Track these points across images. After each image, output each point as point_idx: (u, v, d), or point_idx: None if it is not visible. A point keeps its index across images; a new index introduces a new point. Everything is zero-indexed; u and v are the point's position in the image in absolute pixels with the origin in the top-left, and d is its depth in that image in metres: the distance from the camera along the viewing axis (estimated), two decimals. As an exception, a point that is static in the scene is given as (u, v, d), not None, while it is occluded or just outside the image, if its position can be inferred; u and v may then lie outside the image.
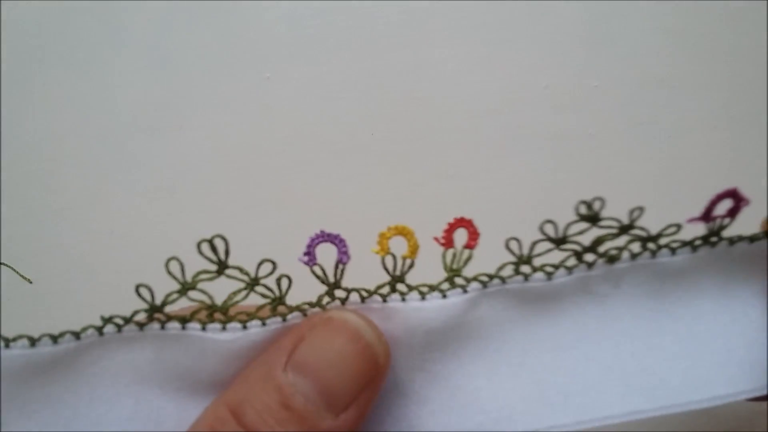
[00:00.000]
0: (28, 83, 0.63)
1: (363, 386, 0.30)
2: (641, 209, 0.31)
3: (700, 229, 0.33)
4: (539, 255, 0.33)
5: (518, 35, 0.63)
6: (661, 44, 0.63)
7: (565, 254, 0.33)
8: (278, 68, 0.63)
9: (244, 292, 0.31)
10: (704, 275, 0.33)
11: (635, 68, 0.62)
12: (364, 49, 0.63)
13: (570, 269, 0.33)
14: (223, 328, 0.31)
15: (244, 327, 0.31)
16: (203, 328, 0.31)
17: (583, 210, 0.31)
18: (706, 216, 0.31)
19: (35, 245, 0.59)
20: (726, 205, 0.31)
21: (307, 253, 0.31)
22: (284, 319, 0.32)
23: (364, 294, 0.32)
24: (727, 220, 0.32)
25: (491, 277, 0.33)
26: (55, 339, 0.31)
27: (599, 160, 0.60)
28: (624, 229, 0.32)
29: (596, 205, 0.31)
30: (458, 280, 0.33)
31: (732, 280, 0.33)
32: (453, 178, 0.59)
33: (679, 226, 0.32)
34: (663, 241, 0.33)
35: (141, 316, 0.31)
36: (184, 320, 0.31)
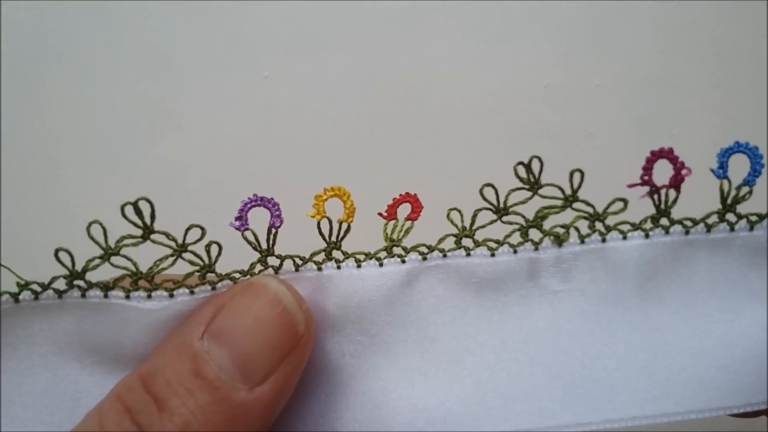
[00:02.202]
0: (27, 83, 0.63)
1: (281, 357, 0.28)
2: (581, 172, 0.30)
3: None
4: (482, 227, 0.32)
5: (518, 34, 0.63)
6: (662, 43, 0.63)
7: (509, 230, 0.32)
8: (276, 67, 0.63)
9: (171, 259, 0.30)
10: (663, 272, 0.31)
11: (636, 67, 0.63)
12: (362, 47, 0.63)
13: (515, 247, 0.32)
14: (149, 297, 0.30)
15: (171, 296, 0.30)
16: (127, 297, 0.30)
17: (522, 172, 0.30)
18: (647, 180, 0.30)
19: (35, 245, 0.58)
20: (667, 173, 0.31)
21: (238, 218, 0.30)
22: (213, 288, 0.30)
23: (298, 262, 0.31)
24: (672, 195, 0.31)
25: (431, 248, 0.31)
26: None
27: (600, 159, 0.60)
28: (567, 200, 0.31)
29: (534, 166, 0.30)
30: (397, 251, 0.31)
31: (695, 279, 0.32)
32: (452, 177, 0.59)
33: (625, 201, 0.31)
34: (612, 221, 0.32)
35: (61, 283, 0.30)
36: (106, 288, 0.30)
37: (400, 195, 0.32)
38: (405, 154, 0.61)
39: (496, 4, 0.64)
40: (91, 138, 0.62)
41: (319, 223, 0.31)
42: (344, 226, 0.31)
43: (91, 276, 0.30)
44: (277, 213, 0.30)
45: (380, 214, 0.32)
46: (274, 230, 0.30)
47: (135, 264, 0.30)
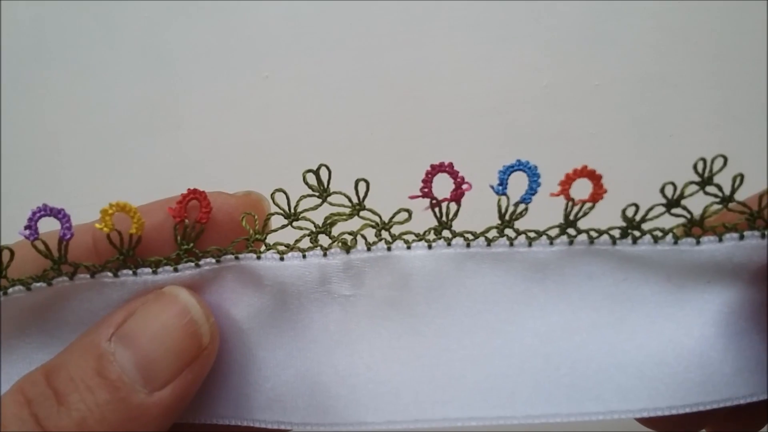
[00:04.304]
0: (26, 82, 0.63)
1: (183, 365, 0.29)
2: (366, 181, 0.31)
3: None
4: (273, 231, 0.33)
5: (518, 34, 0.63)
6: (662, 44, 0.62)
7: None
8: (276, 67, 0.63)
9: None
10: (447, 282, 0.32)
11: (636, 67, 0.62)
12: (363, 48, 0.63)
13: (304, 252, 0.32)
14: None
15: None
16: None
17: (311, 180, 0.31)
18: (427, 193, 0.31)
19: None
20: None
21: (27, 227, 0.31)
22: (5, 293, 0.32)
23: (94, 268, 0.32)
24: (454, 208, 0.31)
25: (224, 251, 0.33)
26: None
27: (600, 159, 0.59)
28: (355, 208, 0.32)
29: (323, 174, 0.31)
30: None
31: (480, 290, 0.32)
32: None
33: (409, 212, 0.32)
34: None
35: None
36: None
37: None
38: (405, 154, 0.61)
39: (496, 4, 0.62)
40: (90, 138, 0.62)
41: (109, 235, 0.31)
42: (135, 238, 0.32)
43: None
44: (67, 225, 0.31)
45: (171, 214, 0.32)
46: (64, 242, 0.31)
47: None
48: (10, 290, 0.32)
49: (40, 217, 0.31)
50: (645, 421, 0.35)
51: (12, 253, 0.31)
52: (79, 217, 0.33)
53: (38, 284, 0.32)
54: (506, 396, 0.31)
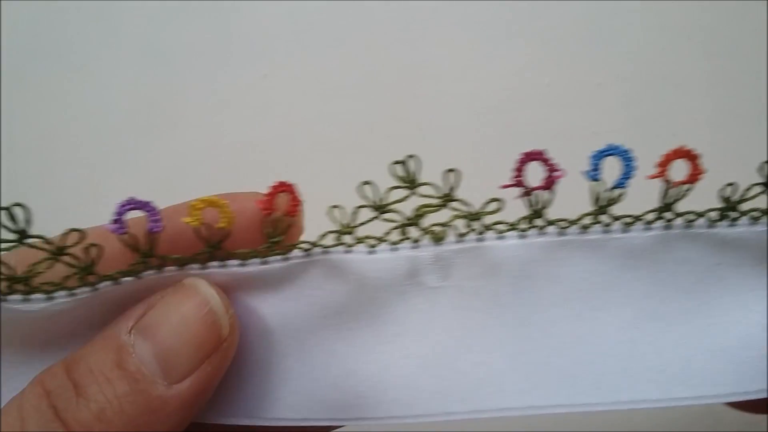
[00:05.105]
0: (25, 82, 0.63)
1: (203, 357, 0.29)
2: (455, 171, 0.31)
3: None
4: (362, 224, 0.32)
5: (520, 32, 0.63)
6: (665, 43, 0.62)
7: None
8: (275, 66, 0.63)
9: (47, 263, 0.30)
10: (538, 272, 0.32)
11: (638, 67, 0.62)
12: (363, 46, 0.63)
13: (395, 245, 0.32)
14: (25, 300, 0.30)
15: (49, 298, 0.31)
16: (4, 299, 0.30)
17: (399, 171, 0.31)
18: (519, 182, 0.31)
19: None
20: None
21: (116, 221, 0.30)
22: (95, 288, 0.31)
23: (182, 261, 0.32)
24: (546, 196, 0.31)
25: (313, 244, 0.32)
26: None
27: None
28: (444, 199, 0.32)
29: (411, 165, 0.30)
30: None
31: (570, 279, 0.32)
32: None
33: (500, 201, 0.31)
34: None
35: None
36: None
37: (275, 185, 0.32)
38: (405, 153, 0.60)
39: (496, 4, 0.63)
40: (90, 137, 0.62)
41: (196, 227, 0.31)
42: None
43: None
44: (155, 218, 0.31)
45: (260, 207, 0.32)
46: (152, 235, 0.31)
47: (12, 268, 0.30)
48: (100, 285, 0.31)
49: (127, 211, 0.31)
50: (735, 405, 0.34)
51: (101, 247, 0.31)
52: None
53: (127, 279, 0.31)
54: (592, 383, 0.31)
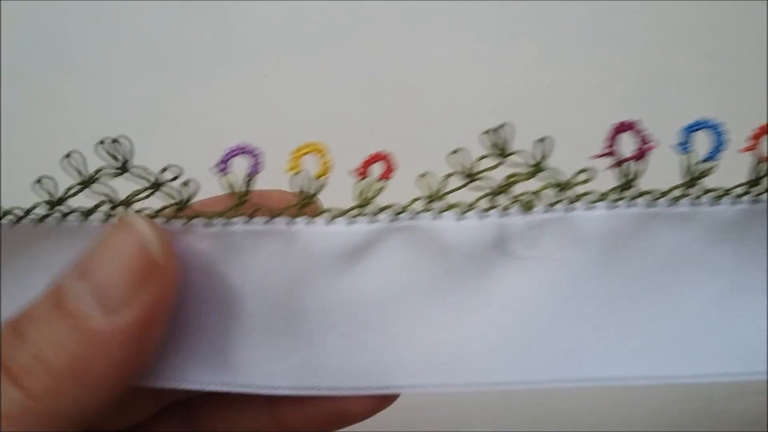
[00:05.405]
0: (25, 82, 0.64)
1: (136, 284, 0.29)
2: (547, 139, 0.32)
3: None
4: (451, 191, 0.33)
5: (520, 32, 0.63)
6: (666, 43, 0.63)
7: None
8: (275, 66, 0.64)
9: (147, 192, 0.32)
10: (624, 244, 0.32)
11: (640, 66, 0.62)
12: (363, 46, 0.64)
13: (482, 212, 0.33)
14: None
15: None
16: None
17: (492, 138, 0.32)
18: (611, 152, 0.32)
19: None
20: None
21: (221, 163, 0.32)
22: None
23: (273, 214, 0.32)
24: (638, 167, 0.32)
25: (403, 209, 0.33)
26: None
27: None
28: (535, 168, 0.32)
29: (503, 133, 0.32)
30: (369, 209, 0.33)
31: (655, 252, 0.32)
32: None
33: (590, 171, 0.32)
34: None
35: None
36: (87, 213, 0.32)
37: (372, 155, 0.33)
38: (405, 154, 0.62)
39: (497, 4, 0.64)
40: (90, 137, 0.65)
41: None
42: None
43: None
44: (260, 160, 0.32)
45: (353, 171, 0.33)
46: (251, 177, 0.32)
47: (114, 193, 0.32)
48: (195, 221, 0.32)
49: (234, 155, 0.32)
50: None
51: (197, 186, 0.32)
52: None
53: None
54: (676, 356, 0.31)
